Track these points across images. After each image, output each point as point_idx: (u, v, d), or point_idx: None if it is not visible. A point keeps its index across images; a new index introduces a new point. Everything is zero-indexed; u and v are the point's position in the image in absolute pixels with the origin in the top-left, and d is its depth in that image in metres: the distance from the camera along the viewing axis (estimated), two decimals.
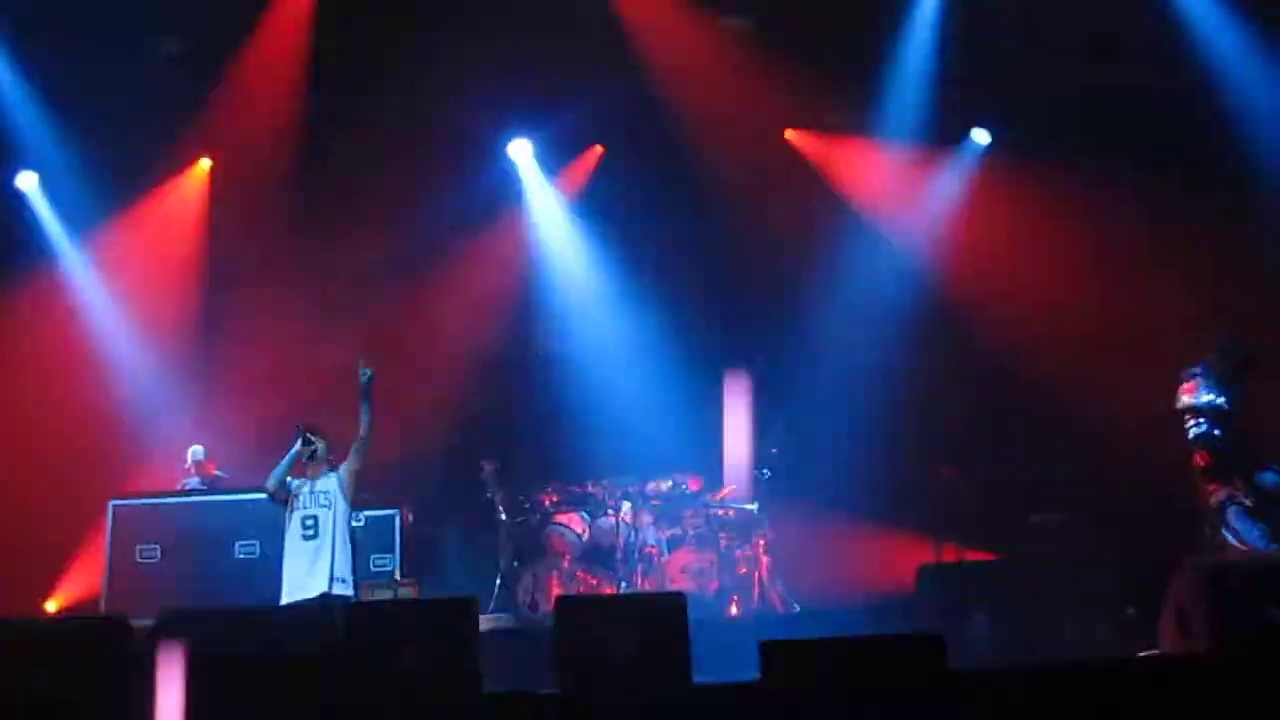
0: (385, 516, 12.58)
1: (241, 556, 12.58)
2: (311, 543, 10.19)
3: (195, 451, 13.83)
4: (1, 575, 12.82)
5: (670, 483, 13.04)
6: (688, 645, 8.26)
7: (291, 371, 14.09)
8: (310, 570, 10.15)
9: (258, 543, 12.45)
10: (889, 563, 12.78)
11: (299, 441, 10.35)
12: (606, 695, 7.97)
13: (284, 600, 10.14)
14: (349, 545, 10.31)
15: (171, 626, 8.13)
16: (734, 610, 12.34)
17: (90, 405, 14.44)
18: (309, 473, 10.41)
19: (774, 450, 13.24)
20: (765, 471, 13.15)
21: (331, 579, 10.11)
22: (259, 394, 13.99)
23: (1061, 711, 7.68)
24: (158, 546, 12.76)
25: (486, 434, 14.49)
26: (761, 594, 12.42)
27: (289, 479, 10.37)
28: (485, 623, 8.76)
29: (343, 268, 14.99)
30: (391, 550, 12.54)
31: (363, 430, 10.33)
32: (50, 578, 13.96)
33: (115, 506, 12.88)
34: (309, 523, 10.24)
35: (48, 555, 13.77)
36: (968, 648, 9.90)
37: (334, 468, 10.42)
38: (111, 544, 12.75)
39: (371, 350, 10.78)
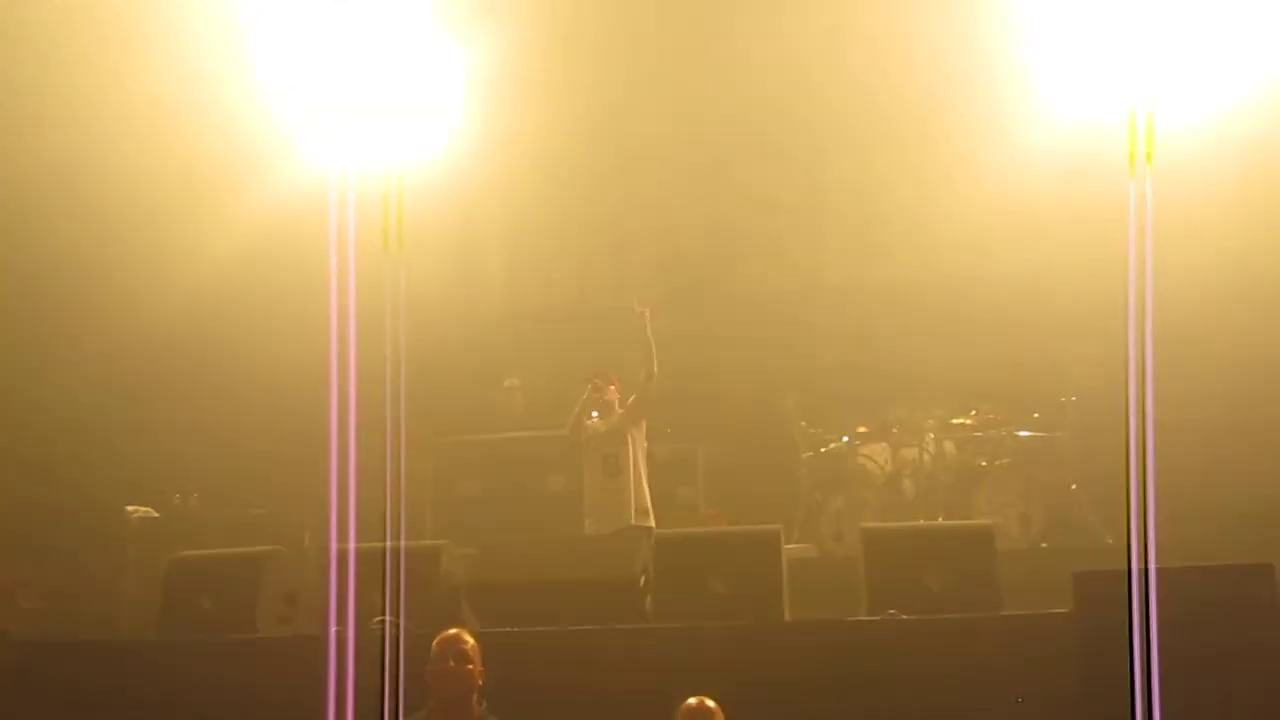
0: (686, 449, 12.62)
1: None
2: (613, 480, 10.40)
3: None
4: None
5: (973, 413, 12.69)
6: (995, 575, 8.17)
7: None
8: (614, 504, 10.35)
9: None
10: None
11: (589, 390, 10.57)
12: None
13: (588, 532, 10.40)
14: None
15: None
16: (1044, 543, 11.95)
17: None
18: (604, 414, 10.60)
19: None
20: (1073, 397, 12.57)
21: (634, 512, 10.28)
22: None
23: None
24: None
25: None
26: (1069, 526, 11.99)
27: (586, 422, 10.58)
28: (788, 553, 8.77)
29: None
30: (694, 483, 12.60)
31: (648, 371, 10.37)
32: None
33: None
34: (610, 461, 10.44)
35: None
36: None
37: (628, 408, 10.54)
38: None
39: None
